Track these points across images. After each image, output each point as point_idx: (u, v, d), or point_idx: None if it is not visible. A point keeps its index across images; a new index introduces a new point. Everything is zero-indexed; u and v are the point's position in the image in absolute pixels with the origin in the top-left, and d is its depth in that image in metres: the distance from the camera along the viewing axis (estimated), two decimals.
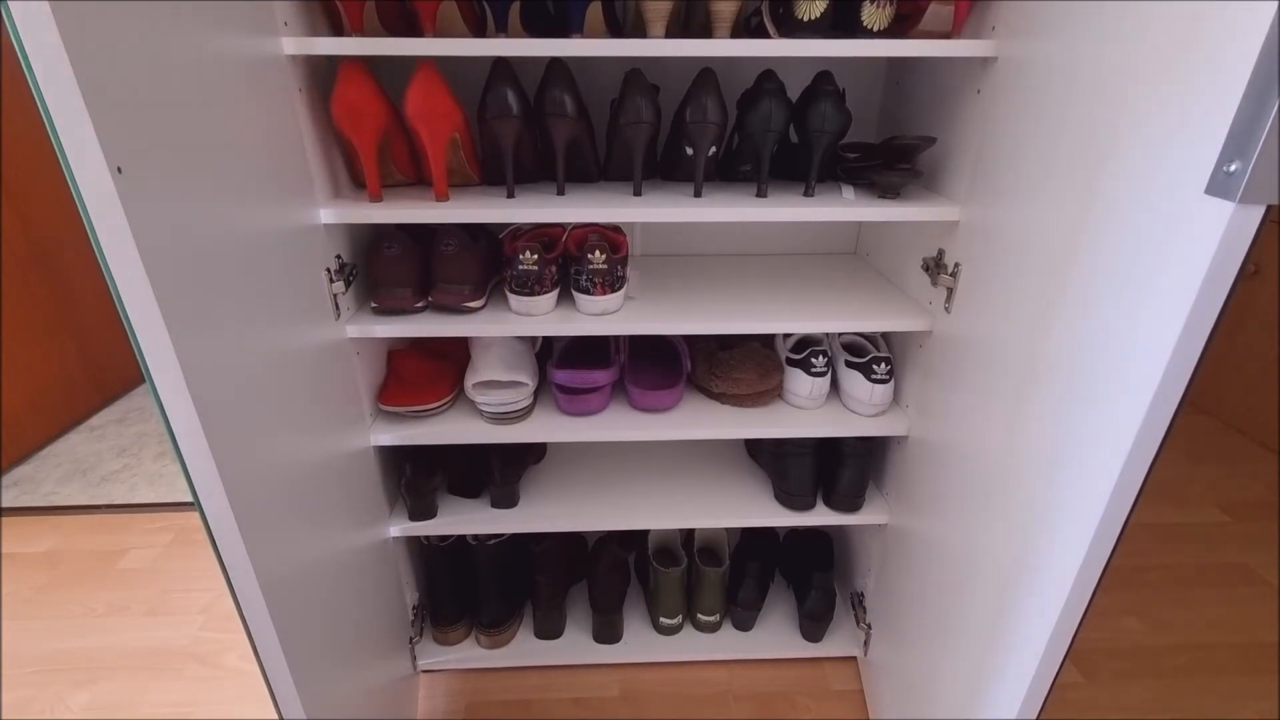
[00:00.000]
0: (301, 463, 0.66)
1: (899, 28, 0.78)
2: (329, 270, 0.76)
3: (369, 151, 0.75)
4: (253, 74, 0.60)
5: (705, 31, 0.78)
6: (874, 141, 0.90)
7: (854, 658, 1.15)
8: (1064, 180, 0.58)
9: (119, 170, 0.40)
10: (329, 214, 0.74)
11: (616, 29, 0.82)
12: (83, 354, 1.88)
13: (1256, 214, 0.39)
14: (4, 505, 1.54)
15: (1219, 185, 0.39)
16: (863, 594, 1.12)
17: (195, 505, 0.51)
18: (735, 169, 0.90)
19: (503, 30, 0.74)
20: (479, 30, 0.81)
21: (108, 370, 1.97)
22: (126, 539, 1.42)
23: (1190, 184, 0.42)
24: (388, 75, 0.83)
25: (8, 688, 1.09)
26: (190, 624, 1.21)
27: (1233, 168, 0.37)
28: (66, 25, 0.37)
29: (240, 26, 0.58)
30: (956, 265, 0.79)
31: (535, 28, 0.80)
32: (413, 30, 0.79)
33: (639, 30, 0.77)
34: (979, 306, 0.74)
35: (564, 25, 0.74)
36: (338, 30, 0.77)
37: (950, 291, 0.80)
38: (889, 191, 0.82)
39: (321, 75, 0.75)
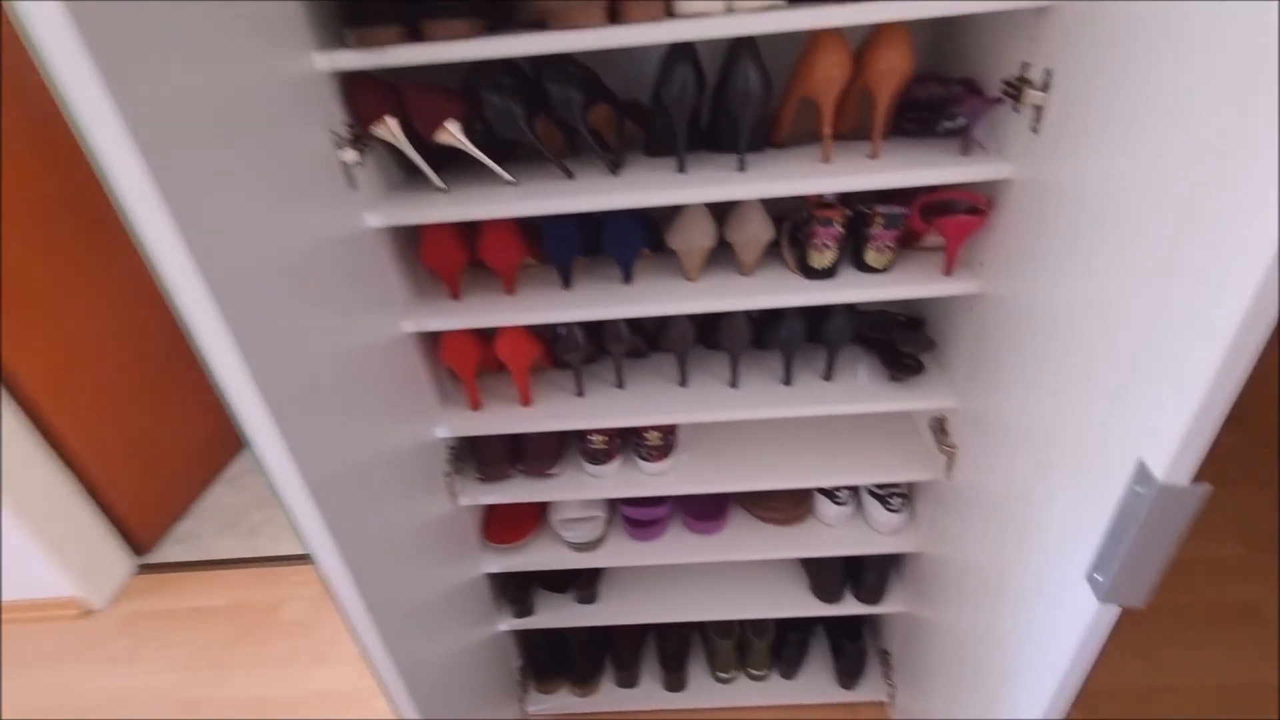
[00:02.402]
0: (430, 590, 0.91)
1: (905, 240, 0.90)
2: (448, 465, 0.98)
3: (468, 378, 0.94)
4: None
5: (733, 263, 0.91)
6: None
7: (882, 703, 1.36)
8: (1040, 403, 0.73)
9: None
10: (444, 430, 0.96)
11: None
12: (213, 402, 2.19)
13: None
14: (173, 561, 1.89)
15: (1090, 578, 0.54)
16: (889, 653, 1.32)
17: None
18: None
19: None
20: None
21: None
22: (280, 591, 1.75)
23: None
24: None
25: None
26: (349, 672, 1.52)
27: (1099, 577, 0.52)
28: (110, 74, 0.40)
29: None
30: (954, 446, 0.94)
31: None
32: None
33: None
34: (977, 474, 0.88)
35: None
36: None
37: (950, 460, 0.95)
38: (898, 377, 0.96)
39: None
